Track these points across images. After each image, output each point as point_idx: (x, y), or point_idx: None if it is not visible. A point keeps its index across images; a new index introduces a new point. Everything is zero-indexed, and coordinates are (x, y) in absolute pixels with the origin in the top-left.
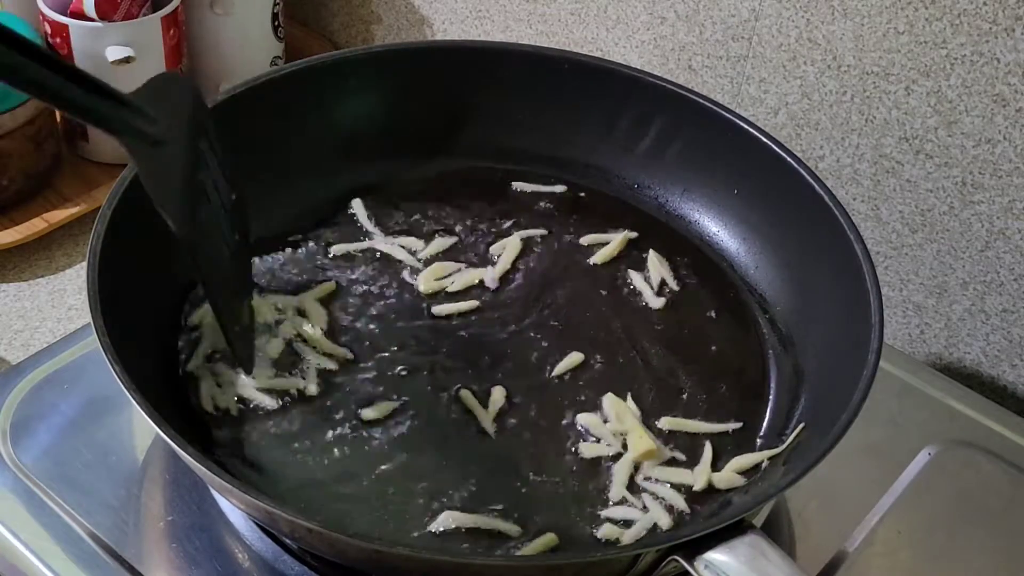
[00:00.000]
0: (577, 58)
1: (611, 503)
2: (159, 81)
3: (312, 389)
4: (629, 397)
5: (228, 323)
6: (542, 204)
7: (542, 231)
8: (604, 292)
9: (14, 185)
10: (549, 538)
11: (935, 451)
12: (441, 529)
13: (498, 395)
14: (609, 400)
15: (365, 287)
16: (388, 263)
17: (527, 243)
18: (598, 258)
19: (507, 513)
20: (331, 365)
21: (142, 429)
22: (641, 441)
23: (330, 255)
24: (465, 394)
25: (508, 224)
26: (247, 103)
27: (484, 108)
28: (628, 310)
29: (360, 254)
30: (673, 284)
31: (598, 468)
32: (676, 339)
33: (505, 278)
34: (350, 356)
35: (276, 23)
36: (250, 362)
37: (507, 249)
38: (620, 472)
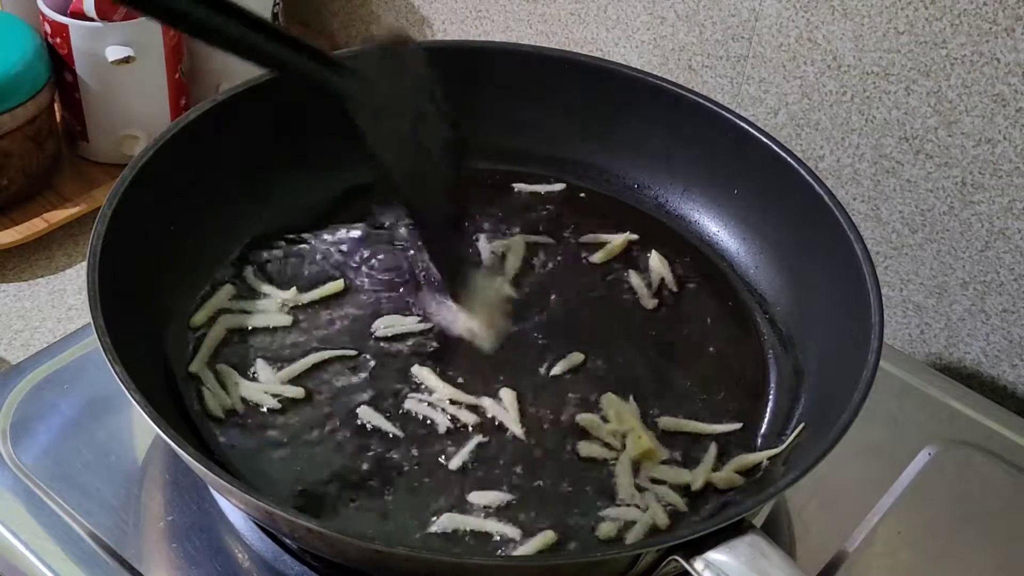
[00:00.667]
0: (577, 58)
1: (611, 503)
2: (386, 49)
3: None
4: (630, 397)
5: (441, 262)
6: (542, 204)
7: (548, 239)
8: (604, 292)
9: (14, 185)
10: (549, 538)
11: (935, 451)
12: (441, 531)
13: (509, 396)
14: (609, 400)
15: (366, 286)
16: (389, 263)
17: (527, 244)
18: (598, 258)
19: (507, 513)
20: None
21: (142, 429)
22: (641, 441)
23: (330, 254)
24: (488, 402)
25: (508, 224)
26: (248, 103)
27: (484, 108)
28: (628, 310)
29: (360, 254)
30: (673, 284)
31: (598, 468)
32: (676, 339)
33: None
34: (352, 353)
35: (276, 23)
36: (463, 293)
37: (512, 251)
38: (620, 472)
